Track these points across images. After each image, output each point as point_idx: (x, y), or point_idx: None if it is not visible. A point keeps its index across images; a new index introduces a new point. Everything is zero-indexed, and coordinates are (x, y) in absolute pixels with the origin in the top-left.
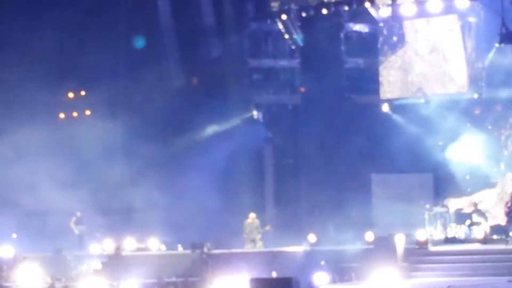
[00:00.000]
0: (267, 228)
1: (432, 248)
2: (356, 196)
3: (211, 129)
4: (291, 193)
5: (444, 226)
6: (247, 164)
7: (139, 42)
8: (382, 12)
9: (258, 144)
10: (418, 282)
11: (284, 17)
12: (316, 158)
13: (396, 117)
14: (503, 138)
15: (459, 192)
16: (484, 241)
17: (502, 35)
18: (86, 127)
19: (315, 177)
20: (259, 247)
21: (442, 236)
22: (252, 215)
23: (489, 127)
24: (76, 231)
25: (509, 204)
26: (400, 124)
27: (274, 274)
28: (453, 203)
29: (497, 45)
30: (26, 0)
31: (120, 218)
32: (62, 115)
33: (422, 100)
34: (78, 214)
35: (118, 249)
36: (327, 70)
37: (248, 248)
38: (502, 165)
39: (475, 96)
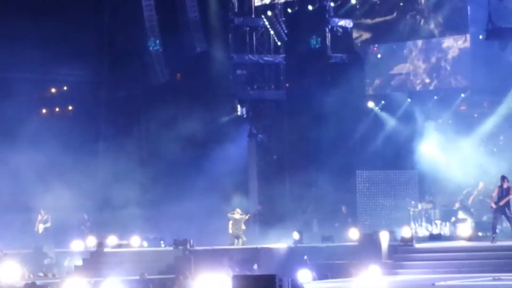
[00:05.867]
0: (247, 217)
1: (417, 245)
2: (340, 193)
3: (194, 125)
4: (275, 189)
5: (429, 223)
6: (230, 160)
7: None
8: None
9: (242, 140)
10: (403, 279)
11: (269, 12)
12: (301, 154)
13: (381, 113)
14: (488, 135)
15: (444, 189)
16: (469, 238)
17: (488, 31)
18: (69, 122)
19: (299, 173)
20: (243, 243)
21: (427, 233)
22: (238, 211)
23: (476, 123)
24: (40, 230)
25: (495, 200)
26: (386, 121)
27: (255, 267)
28: (438, 200)
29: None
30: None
31: (102, 215)
32: (44, 111)
33: (409, 100)
34: (42, 212)
35: (100, 245)
36: (312, 66)
37: (233, 244)
38: (487, 161)
39: (462, 95)
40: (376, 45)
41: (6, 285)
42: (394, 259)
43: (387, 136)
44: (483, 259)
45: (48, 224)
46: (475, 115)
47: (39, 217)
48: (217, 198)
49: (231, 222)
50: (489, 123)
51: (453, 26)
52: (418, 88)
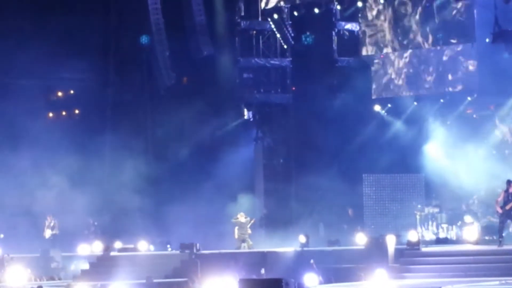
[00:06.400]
0: (252, 221)
1: (423, 249)
2: (347, 197)
3: (200, 129)
4: (281, 193)
5: (436, 227)
6: (237, 163)
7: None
8: None
9: (249, 144)
10: (409, 283)
11: (275, 15)
12: (307, 158)
13: (387, 117)
14: (495, 139)
15: (451, 192)
16: (476, 242)
17: (495, 33)
18: (75, 126)
19: (305, 177)
20: (250, 246)
21: (433, 237)
22: (242, 214)
23: (482, 127)
24: (47, 235)
25: (500, 204)
26: (392, 124)
27: (262, 271)
28: (445, 204)
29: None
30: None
31: (108, 219)
32: (50, 114)
33: (415, 103)
34: (49, 218)
35: (106, 249)
36: (319, 69)
37: (239, 248)
38: (494, 165)
39: (469, 98)
40: (383, 53)
41: None
42: (401, 263)
43: (394, 139)
44: (490, 263)
45: (56, 231)
46: (475, 116)
47: (46, 223)
48: (224, 201)
49: (236, 227)
50: (498, 132)
51: (459, 29)
52: (424, 91)
